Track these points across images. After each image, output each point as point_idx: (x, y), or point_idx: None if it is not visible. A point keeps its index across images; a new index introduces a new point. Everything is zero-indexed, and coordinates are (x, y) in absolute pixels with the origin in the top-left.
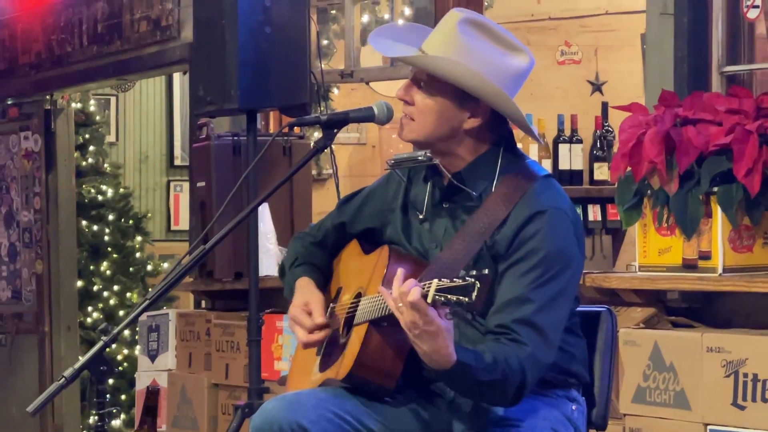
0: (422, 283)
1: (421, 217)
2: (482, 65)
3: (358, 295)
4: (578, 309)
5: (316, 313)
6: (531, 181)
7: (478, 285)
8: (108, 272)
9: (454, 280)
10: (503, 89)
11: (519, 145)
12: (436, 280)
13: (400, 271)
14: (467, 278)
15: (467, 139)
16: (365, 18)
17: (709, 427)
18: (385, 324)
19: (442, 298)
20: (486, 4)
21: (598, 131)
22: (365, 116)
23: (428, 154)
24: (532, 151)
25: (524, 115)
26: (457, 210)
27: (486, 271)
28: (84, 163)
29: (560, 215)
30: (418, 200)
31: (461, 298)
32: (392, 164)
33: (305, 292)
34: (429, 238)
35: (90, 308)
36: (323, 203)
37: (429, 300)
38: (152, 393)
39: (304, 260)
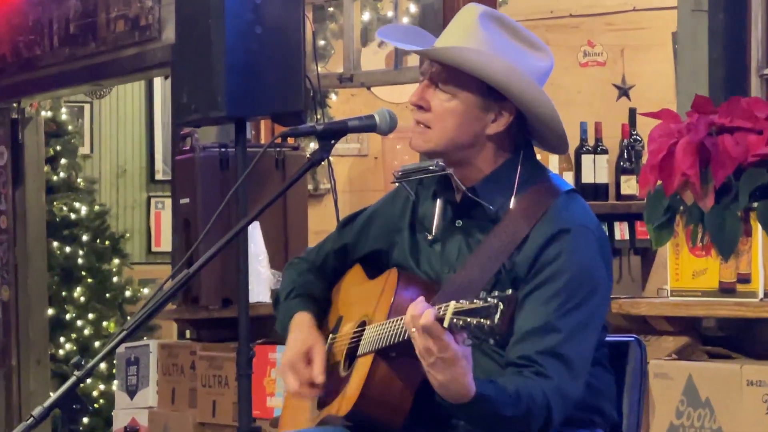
0: (437, 306)
1: (430, 237)
2: (509, 61)
3: (362, 324)
4: (605, 339)
5: (317, 368)
6: (553, 196)
7: (502, 307)
8: (82, 299)
9: (474, 301)
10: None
11: (537, 156)
12: (453, 302)
13: (415, 300)
14: (489, 299)
15: (489, 146)
16: (366, 16)
17: None
18: (393, 354)
19: (461, 322)
20: (500, 0)
21: (625, 140)
22: (366, 125)
23: (440, 164)
24: (552, 163)
25: (559, 116)
26: (471, 228)
27: (510, 292)
28: (55, 177)
29: (586, 234)
30: (427, 218)
31: (482, 321)
32: (399, 176)
33: (306, 334)
34: (441, 260)
35: (62, 339)
36: (320, 221)
37: (445, 324)
38: None
39: (301, 291)
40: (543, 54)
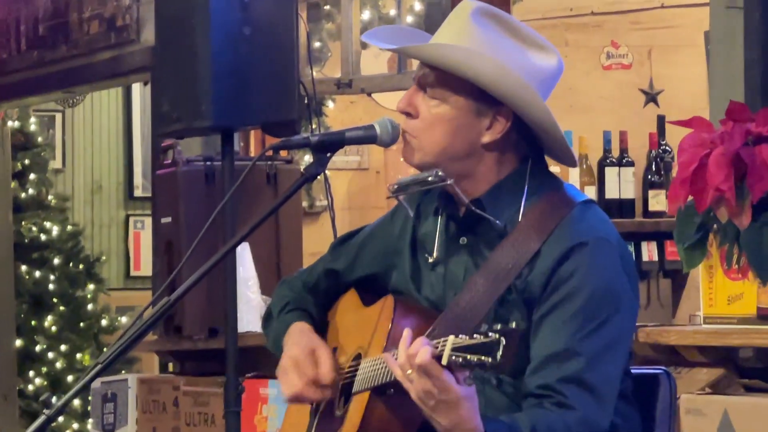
0: (435, 341)
1: (431, 260)
2: (503, 60)
3: (357, 357)
4: (631, 370)
5: (325, 366)
6: (567, 207)
7: (504, 342)
8: (53, 328)
9: (475, 335)
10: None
11: (556, 170)
12: (452, 337)
13: (406, 331)
14: (490, 333)
15: (487, 156)
16: (366, 15)
17: None
18: (391, 391)
19: (460, 359)
20: None
21: (653, 151)
22: (365, 136)
23: (440, 174)
24: (573, 177)
25: (557, 122)
26: (478, 245)
27: (513, 325)
28: (23, 194)
29: (605, 247)
30: (428, 238)
31: (483, 358)
32: (396, 190)
33: (309, 337)
34: (444, 283)
35: (32, 373)
36: (316, 241)
37: (444, 362)
38: None
39: (297, 305)
40: (546, 54)
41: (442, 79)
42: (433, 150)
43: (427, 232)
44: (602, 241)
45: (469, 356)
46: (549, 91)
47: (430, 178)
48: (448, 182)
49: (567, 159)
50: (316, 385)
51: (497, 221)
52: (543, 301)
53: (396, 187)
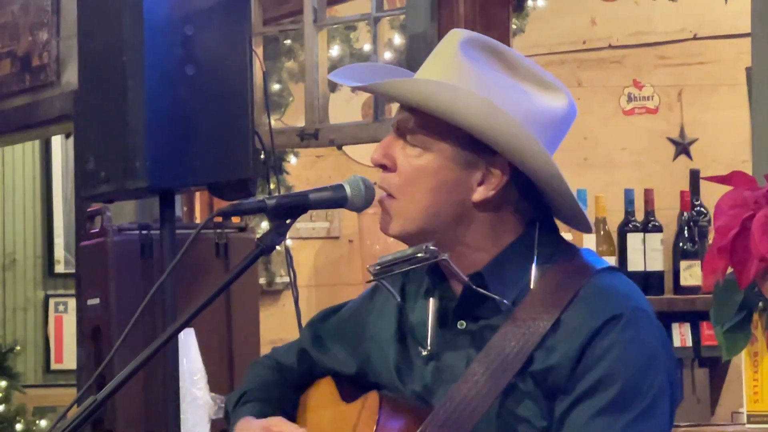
0: None
1: (425, 353)
2: (497, 101)
3: None
4: None
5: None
6: (586, 275)
7: None
8: None
9: None
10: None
11: (568, 236)
12: None
13: None
14: None
15: (481, 218)
16: (335, 51)
17: None
18: None
19: None
20: (515, 27)
21: (684, 214)
22: (334, 198)
23: (431, 248)
24: (588, 245)
25: (562, 175)
26: (482, 331)
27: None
28: None
29: (644, 319)
30: (419, 325)
31: None
32: (377, 271)
33: (256, 423)
34: (440, 378)
35: None
36: (277, 326)
37: None
38: None
39: (257, 394)
40: (553, 93)
41: (425, 123)
42: (417, 213)
43: (418, 317)
44: (640, 312)
45: None
46: (557, 138)
47: (420, 255)
48: (443, 257)
49: (579, 222)
50: None
51: (504, 300)
52: (569, 391)
53: (378, 268)
